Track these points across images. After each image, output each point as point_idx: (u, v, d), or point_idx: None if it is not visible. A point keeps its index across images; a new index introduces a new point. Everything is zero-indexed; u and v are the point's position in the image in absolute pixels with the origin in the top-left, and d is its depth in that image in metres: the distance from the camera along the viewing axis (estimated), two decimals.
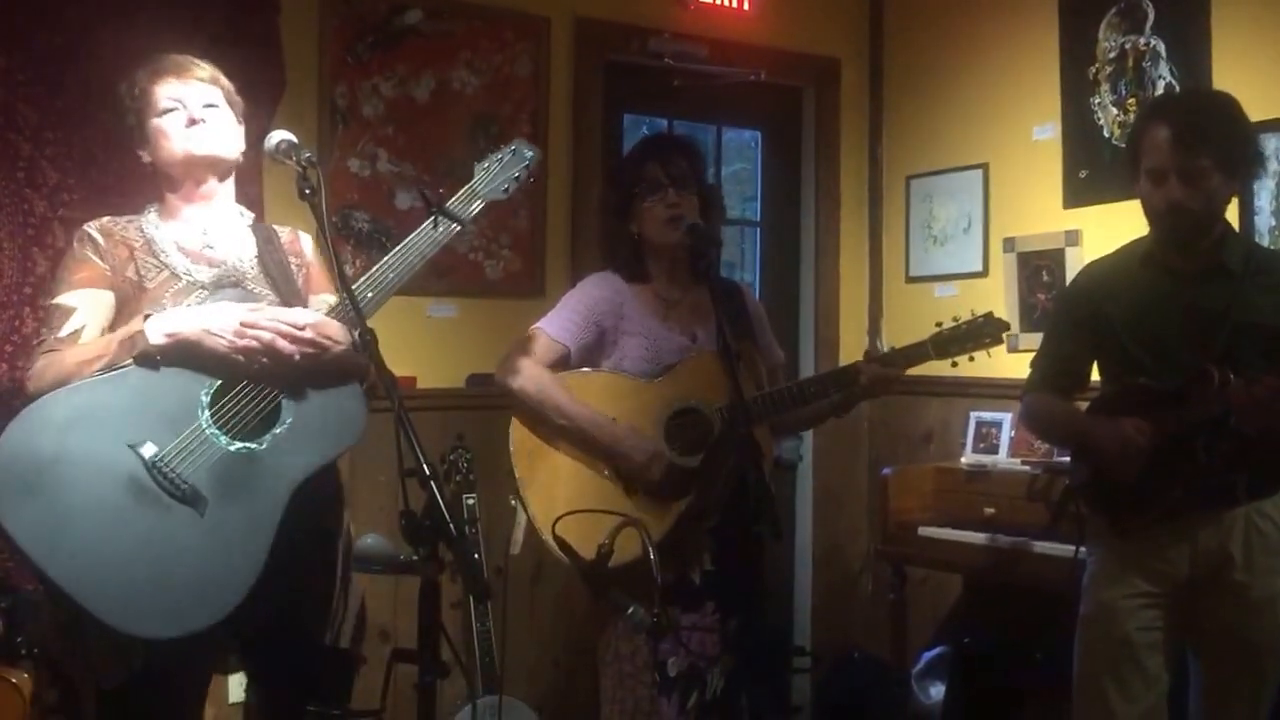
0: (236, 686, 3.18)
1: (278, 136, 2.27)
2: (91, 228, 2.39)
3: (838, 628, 4.71)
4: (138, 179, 2.58)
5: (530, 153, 2.56)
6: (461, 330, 3.99)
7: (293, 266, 2.48)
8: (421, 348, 3.88)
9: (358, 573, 2.46)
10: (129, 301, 2.32)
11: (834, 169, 4.75)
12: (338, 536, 2.44)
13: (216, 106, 2.42)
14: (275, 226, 2.54)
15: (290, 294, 2.40)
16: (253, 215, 2.54)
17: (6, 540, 2.06)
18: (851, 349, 4.67)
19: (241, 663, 2.44)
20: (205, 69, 2.45)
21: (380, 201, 3.81)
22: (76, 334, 2.27)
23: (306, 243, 2.56)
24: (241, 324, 2.21)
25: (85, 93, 3.30)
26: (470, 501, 3.79)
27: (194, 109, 2.38)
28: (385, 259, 2.35)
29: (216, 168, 2.43)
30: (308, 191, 2.18)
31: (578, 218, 4.17)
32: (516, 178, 2.54)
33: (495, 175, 2.51)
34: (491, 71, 4.00)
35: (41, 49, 3.27)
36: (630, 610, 2.27)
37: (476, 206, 2.47)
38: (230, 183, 2.49)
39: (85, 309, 2.30)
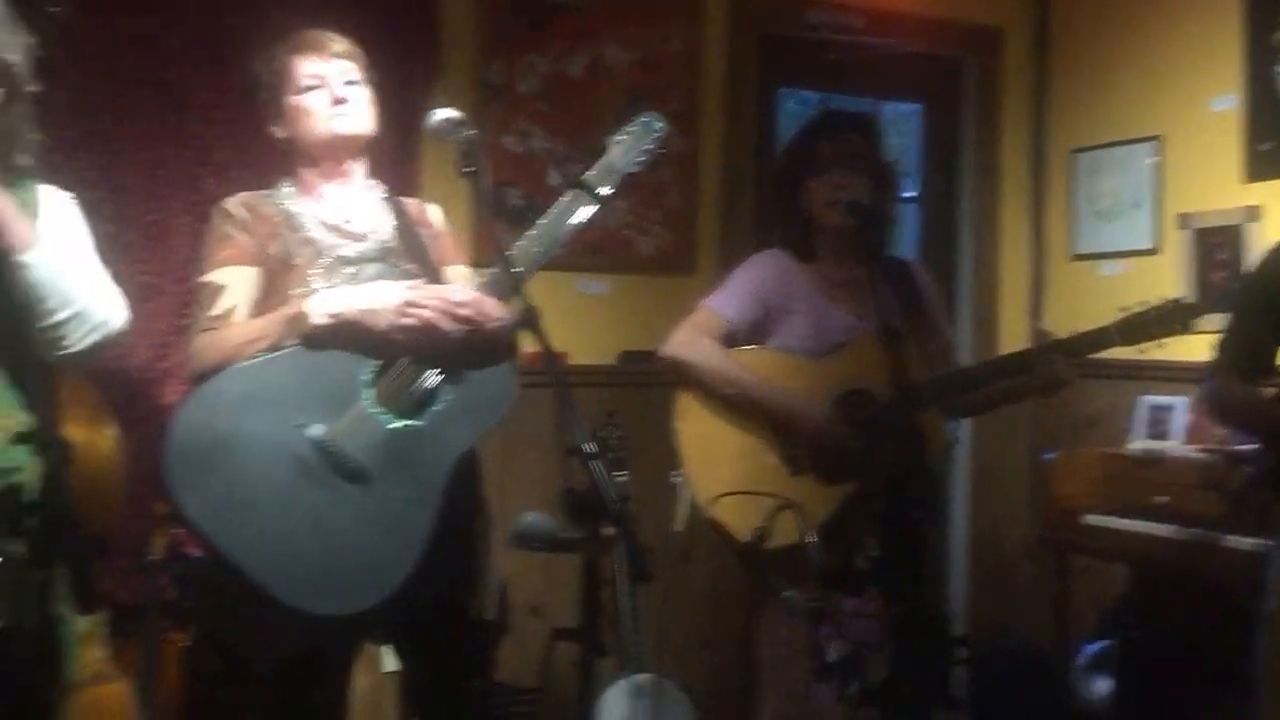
0: (390, 656, 3.23)
1: (441, 114, 2.26)
2: (232, 203, 2.38)
3: (993, 615, 4.58)
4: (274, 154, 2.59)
5: (660, 124, 2.52)
6: (611, 307, 3.98)
7: (428, 239, 2.47)
8: (571, 324, 3.87)
9: (519, 550, 2.46)
10: (275, 277, 2.31)
11: (995, 142, 4.59)
12: (478, 509, 2.44)
13: (357, 83, 2.40)
14: (403, 199, 2.52)
15: (429, 267, 2.39)
16: (384, 189, 2.52)
17: (181, 518, 2.11)
18: (1011, 329, 4.53)
19: (390, 634, 2.46)
20: (344, 44, 2.42)
21: (533, 178, 3.81)
22: (229, 312, 2.27)
23: (435, 214, 2.55)
24: (403, 303, 2.21)
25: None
26: (622, 479, 3.77)
27: (337, 87, 2.36)
28: (529, 235, 2.33)
29: (357, 145, 2.42)
30: (469, 169, 2.17)
31: (730, 194, 4.11)
32: (649, 150, 2.49)
33: (629, 149, 2.47)
34: (644, 46, 3.96)
35: (217, 29, 3.33)
36: (787, 594, 2.22)
37: (613, 181, 2.43)
38: (365, 157, 2.47)
39: (234, 286, 2.29)
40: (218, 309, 2.27)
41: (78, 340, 1.98)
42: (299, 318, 2.20)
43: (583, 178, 2.40)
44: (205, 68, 3.33)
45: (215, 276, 2.31)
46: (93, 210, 2.20)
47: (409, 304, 2.21)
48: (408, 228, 2.43)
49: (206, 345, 2.25)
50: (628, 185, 2.46)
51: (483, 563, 2.44)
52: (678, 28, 4.01)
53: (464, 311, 2.21)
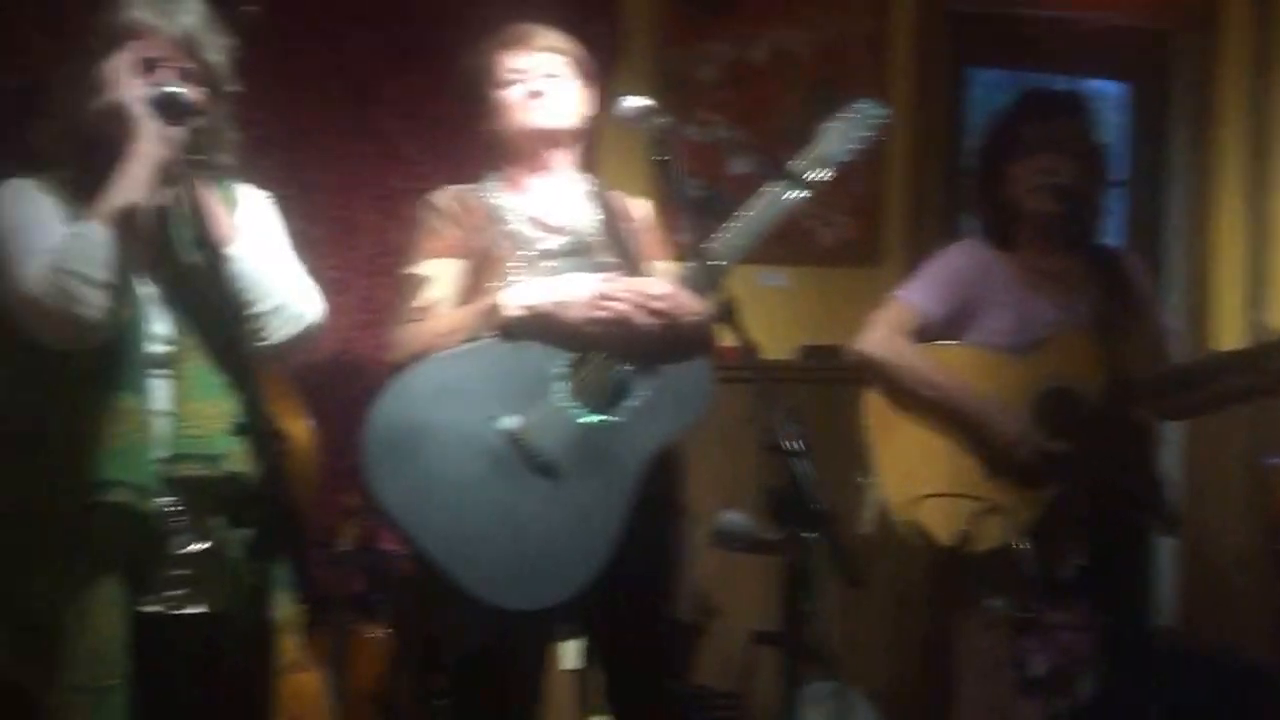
0: (570, 653, 3.21)
1: (631, 102, 2.23)
2: (439, 197, 2.40)
3: (1207, 628, 4.31)
4: (481, 148, 2.59)
5: (879, 111, 2.41)
6: (793, 299, 3.87)
7: (633, 233, 2.43)
8: (751, 317, 3.75)
9: (718, 550, 2.40)
10: (479, 270, 2.32)
11: (1208, 123, 4.30)
12: (677, 508, 2.38)
13: (557, 76, 2.37)
14: (610, 193, 2.49)
15: (633, 261, 2.35)
16: (594, 182, 2.50)
17: (377, 508, 2.13)
18: (1227, 322, 4.25)
19: (585, 634, 2.43)
20: (549, 37, 2.40)
21: (714, 168, 3.72)
22: (432, 304, 2.29)
23: (641, 208, 2.50)
24: (596, 296, 2.19)
25: (445, 68, 3.37)
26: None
27: (534, 81, 2.34)
28: (732, 226, 2.26)
29: (556, 139, 2.39)
30: (661, 158, 2.12)
31: (919, 181, 3.95)
32: (862, 138, 2.40)
33: (842, 136, 2.38)
34: (829, 30, 3.84)
35: (404, 26, 3.36)
36: (991, 602, 2.10)
37: (823, 170, 2.35)
38: (573, 150, 2.44)
39: (439, 278, 2.31)
40: (421, 301, 2.30)
41: (275, 333, 2.01)
42: (494, 310, 2.20)
43: (790, 166, 2.32)
44: (392, 63, 3.36)
45: (420, 269, 2.33)
46: (284, 206, 2.23)
47: (602, 296, 2.19)
48: (612, 221, 2.40)
49: (408, 336, 2.28)
50: None
51: (681, 564, 2.38)
52: (863, 9, 3.87)
53: (658, 304, 2.18)
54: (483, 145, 2.47)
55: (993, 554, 2.24)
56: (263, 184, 2.21)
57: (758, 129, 3.74)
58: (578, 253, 2.33)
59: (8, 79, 2.85)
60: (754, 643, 2.00)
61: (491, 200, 2.38)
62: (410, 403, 2.15)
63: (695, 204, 3.28)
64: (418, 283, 2.31)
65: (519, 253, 2.31)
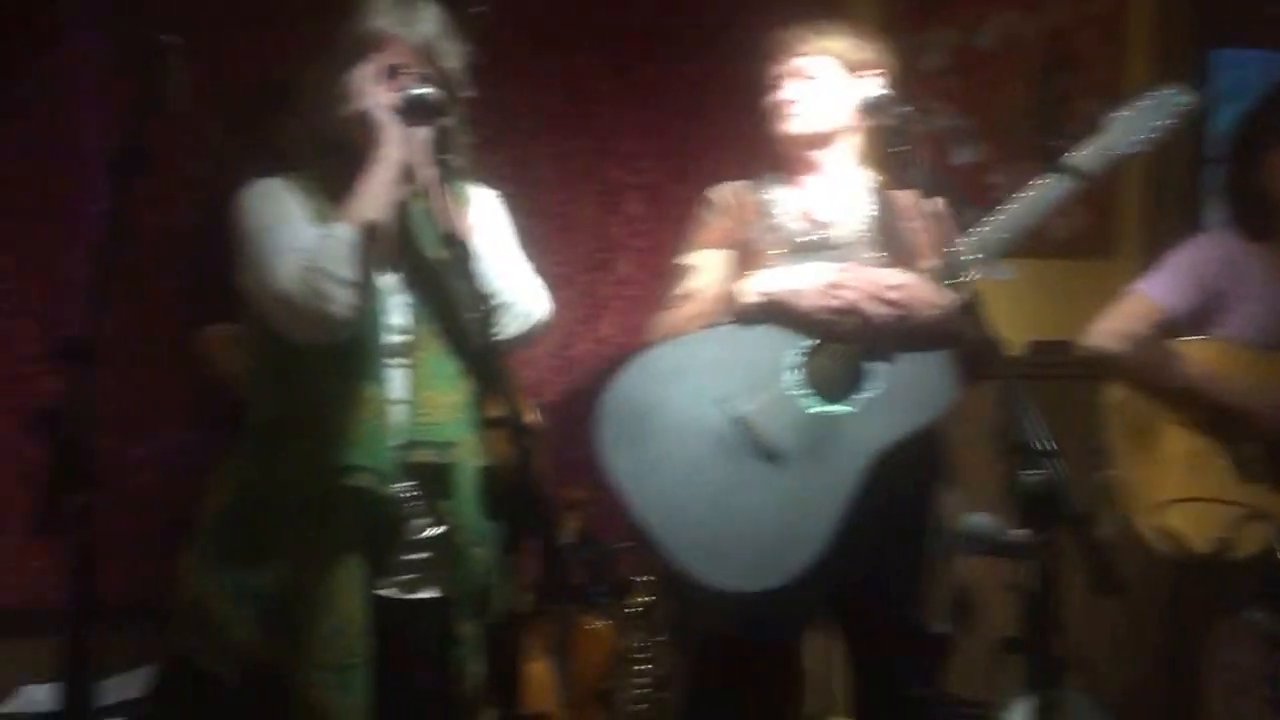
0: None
1: (872, 91, 2.21)
2: (717, 191, 2.47)
3: None
4: (717, 146, 2.69)
5: (1183, 99, 2.27)
6: (1020, 293, 3.69)
7: (910, 230, 2.39)
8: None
9: (961, 553, 2.33)
10: (743, 261, 2.37)
11: None
12: (931, 510, 2.33)
13: (814, 79, 2.37)
14: (896, 191, 2.46)
15: (902, 258, 2.31)
16: (878, 178, 2.47)
17: (606, 479, 2.18)
18: None
19: (832, 634, 2.41)
20: (812, 40, 2.40)
21: (936, 156, 3.62)
22: (693, 292, 2.37)
23: (926, 206, 2.44)
24: (829, 284, 2.18)
25: (664, 65, 3.38)
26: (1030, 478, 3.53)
27: (788, 89, 2.37)
28: (994, 219, 2.19)
29: (813, 143, 2.40)
30: (900, 148, 2.09)
31: (1159, 170, 3.74)
32: (1161, 127, 2.26)
33: (1133, 126, 2.26)
34: (1060, 12, 3.68)
35: (623, 28, 3.39)
36: (1250, 614, 1.97)
37: (1105, 163, 2.23)
38: (847, 145, 2.42)
39: (703, 268, 2.39)
40: (683, 289, 2.39)
41: (504, 329, 2.04)
42: (732, 296, 2.26)
43: (1067, 157, 2.23)
44: (611, 63, 3.38)
45: (689, 259, 2.43)
46: (509, 203, 2.27)
47: (835, 285, 2.19)
48: (886, 218, 2.38)
49: (662, 321, 2.38)
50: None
51: (934, 567, 2.32)
52: None
53: (893, 295, 2.15)
54: (763, 144, 2.51)
55: (1253, 562, 2.10)
56: (490, 182, 2.25)
57: (984, 117, 3.62)
58: (839, 246, 2.32)
59: (258, 81, 2.95)
60: (1003, 650, 1.92)
61: (765, 195, 2.43)
62: (645, 381, 2.23)
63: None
64: (684, 272, 2.41)
65: (780, 245, 2.35)
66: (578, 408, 3.25)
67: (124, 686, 3.11)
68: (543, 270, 2.44)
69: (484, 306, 1.83)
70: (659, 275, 3.34)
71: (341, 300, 1.90)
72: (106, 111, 3.21)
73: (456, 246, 1.85)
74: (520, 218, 2.25)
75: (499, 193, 2.25)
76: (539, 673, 2.76)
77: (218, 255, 2.13)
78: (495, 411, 1.78)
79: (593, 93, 3.39)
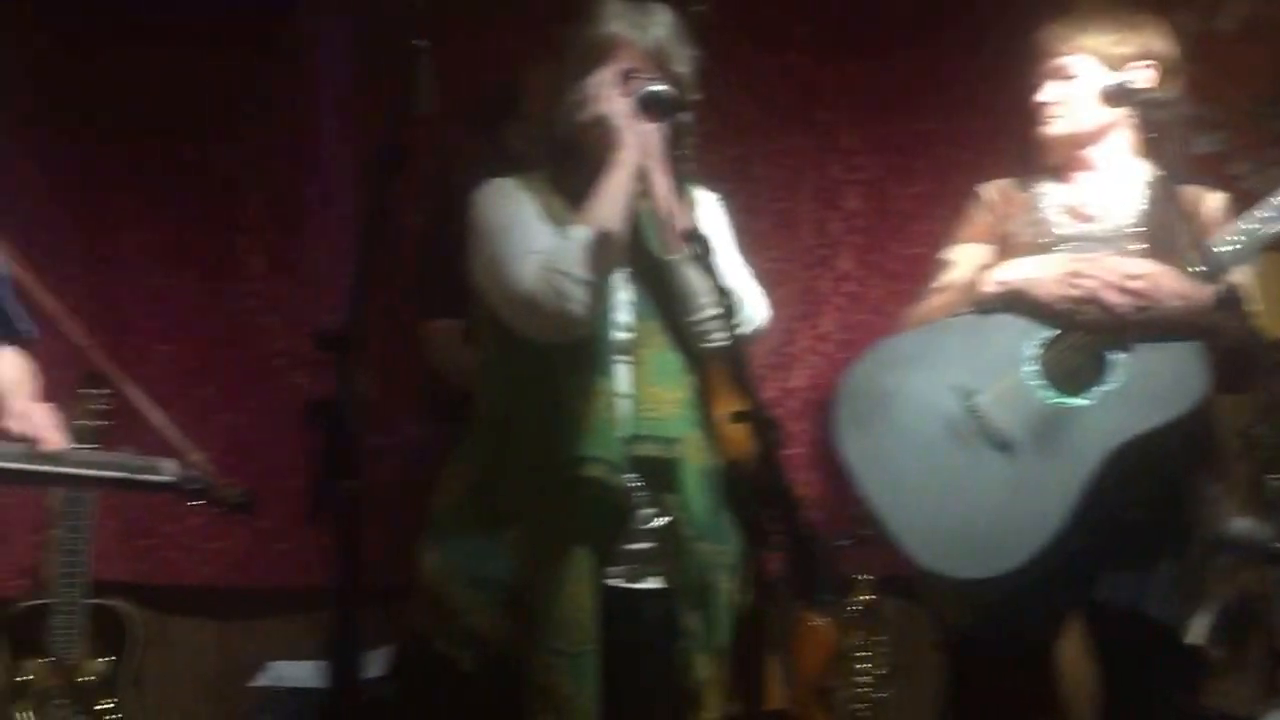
0: None
1: (1123, 79, 2.21)
2: (986, 186, 2.48)
3: None
4: (939, 142, 2.74)
5: None
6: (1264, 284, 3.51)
7: (1181, 223, 2.29)
8: None
9: (1226, 559, 2.23)
10: (1003, 255, 2.36)
11: None
12: (1190, 511, 2.24)
13: (1074, 79, 2.34)
14: (1177, 186, 2.36)
15: (1166, 252, 2.23)
16: (1159, 171, 2.38)
17: (839, 462, 2.22)
18: None
19: (1088, 640, 2.35)
20: (1070, 38, 2.36)
21: (1181, 146, 3.46)
22: (947, 286, 2.39)
23: (1211, 202, 2.36)
24: (1069, 273, 2.16)
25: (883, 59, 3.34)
26: (1277, 482, 3.34)
27: (1048, 90, 2.36)
28: (1258, 209, 2.10)
29: (1078, 142, 2.38)
30: (1153, 136, 2.03)
31: None
32: None
33: None
34: None
35: (842, 22, 3.37)
36: None
37: None
38: (1119, 138, 2.38)
39: (960, 262, 2.41)
40: (938, 282, 2.41)
41: (724, 335, 2.03)
42: (972, 285, 2.27)
43: None
44: (832, 56, 3.35)
45: (948, 253, 2.45)
46: (726, 201, 2.29)
47: (1074, 274, 2.16)
48: (1158, 211, 2.32)
49: (911, 312, 2.42)
50: None
51: (1194, 572, 2.23)
52: None
53: (1134, 284, 2.08)
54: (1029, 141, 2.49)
55: None
56: (707, 182, 2.27)
57: (1225, 104, 3.44)
58: (1101, 240, 2.29)
59: (487, 83, 3.04)
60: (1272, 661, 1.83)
61: (1034, 190, 2.42)
62: (882, 366, 2.28)
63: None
64: (940, 266, 2.43)
65: (1040, 238, 2.33)
66: (797, 405, 3.28)
67: (370, 663, 3.25)
68: (760, 268, 2.45)
69: (726, 300, 1.85)
70: (878, 272, 3.34)
71: (580, 300, 1.95)
72: (350, 116, 3.38)
73: (698, 241, 1.87)
74: (737, 215, 2.27)
75: (716, 190, 2.27)
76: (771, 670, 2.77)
77: (446, 253, 2.21)
78: (736, 406, 1.80)
79: (811, 89, 3.37)
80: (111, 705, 3.13)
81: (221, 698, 3.38)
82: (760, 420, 1.69)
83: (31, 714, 3.06)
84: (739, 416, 1.70)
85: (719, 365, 2.13)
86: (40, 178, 3.30)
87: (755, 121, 3.38)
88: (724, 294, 1.88)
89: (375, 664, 3.18)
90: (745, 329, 2.09)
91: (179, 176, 3.35)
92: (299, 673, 3.22)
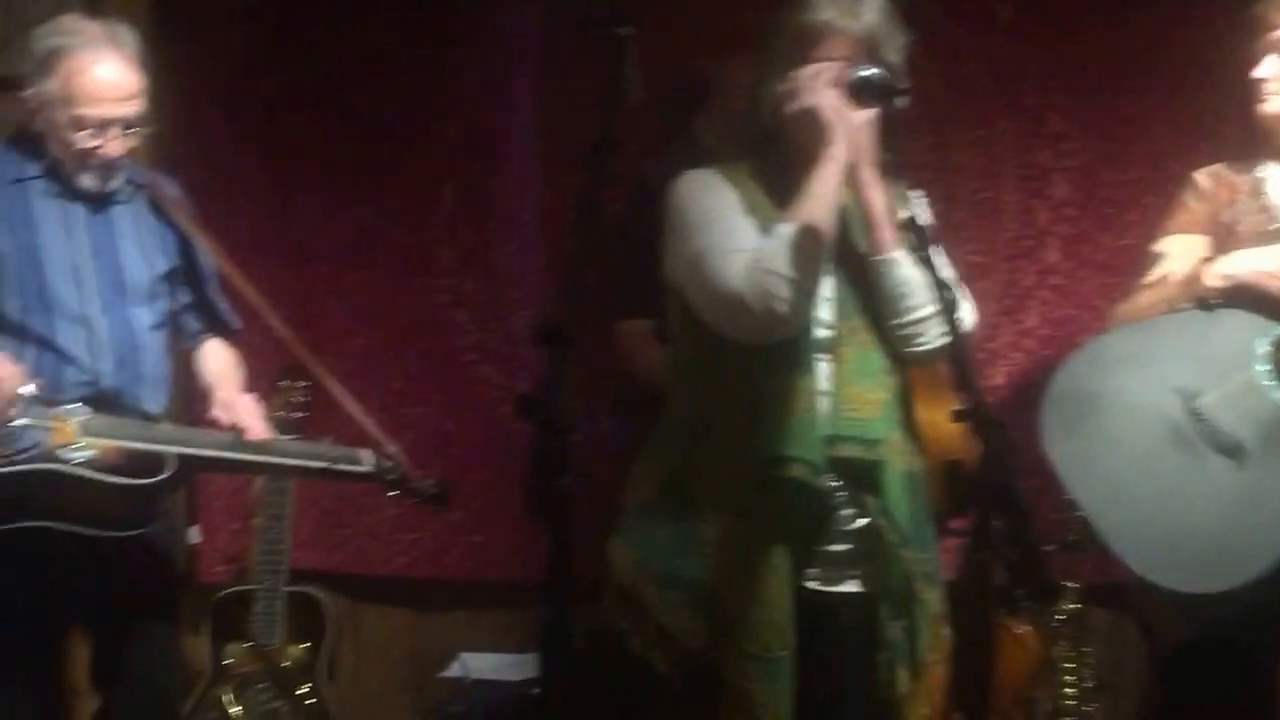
0: None
1: None
2: (1200, 173, 2.37)
3: None
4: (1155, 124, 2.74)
5: None
6: None
7: None
8: None
9: None
10: (1222, 245, 2.25)
11: None
12: None
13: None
14: None
15: None
16: None
17: (1051, 467, 2.13)
18: None
19: None
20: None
21: None
22: (1161, 280, 2.27)
23: None
24: None
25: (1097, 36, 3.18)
26: None
27: (1265, 65, 2.25)
28: None
29: None
30: None
31: None
32: None
33: None
34: None
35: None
36: None
37: None
38: None
39: (1173, 254, 2.30)
40: (1150, 276, 2.31)
41: (932, 339, 1.99)
42: (1193, 280, 2.16)
43: None
44: (1040, 36, 3.20)
45: (1160, 244, 2.35)
46: (924, 190, 2.20)
47: None
48: None
49: (1121, 310, 2.32)
50: None
51: None
52: None
53: None
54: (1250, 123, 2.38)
55: None
56: (907, 174, 2.18)
57: None
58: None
59: (677, 73, 3.00)
60: None
61: (1255, 174, 2.30)
62: (1093, 367, 2.18)
63: None
64: (1152, 258, 2.33)
65: (1264, 226, 2.22)
66: (997, 402, 3.13)
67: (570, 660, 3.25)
68: (960, 260, 2.37)
69: (947, 295, 1.76)
70: (1087, 264, 3.18)
71: (790, 301, 1.89)
72: (540, 109, 3.38)
73: (917, 235, 1.79)
74: (935, 206, 2.18)
75: (919, 188, 2.17)
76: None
77: (638, 248, 2.17)
78: (938, 407, 1.72)
79: (1017, 71, 3.23)
80: (308, 691, 3.20)
81: (412, 687, 3.44)
82: (986, 420, 1.60)
83: (233, 696, 3.16)
84: (961, 416, 1.61)
85: (929, 365, 2.06)
86: (240, 173, 3.40)
87: (954, 107, 3.25)
88: (945, 288, 1.79)
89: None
90: (949, 336, 1.98)
91: (373, 171, 3.40)
92: (489, 665, 3.25)
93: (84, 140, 2.37)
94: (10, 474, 2.24)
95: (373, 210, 3.40)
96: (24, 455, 2.26)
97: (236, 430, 2.43)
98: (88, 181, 2.43)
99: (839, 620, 2.02)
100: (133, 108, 2.40)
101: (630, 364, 2.83)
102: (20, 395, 2.26)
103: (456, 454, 3.38)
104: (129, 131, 2.41)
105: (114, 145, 2.39)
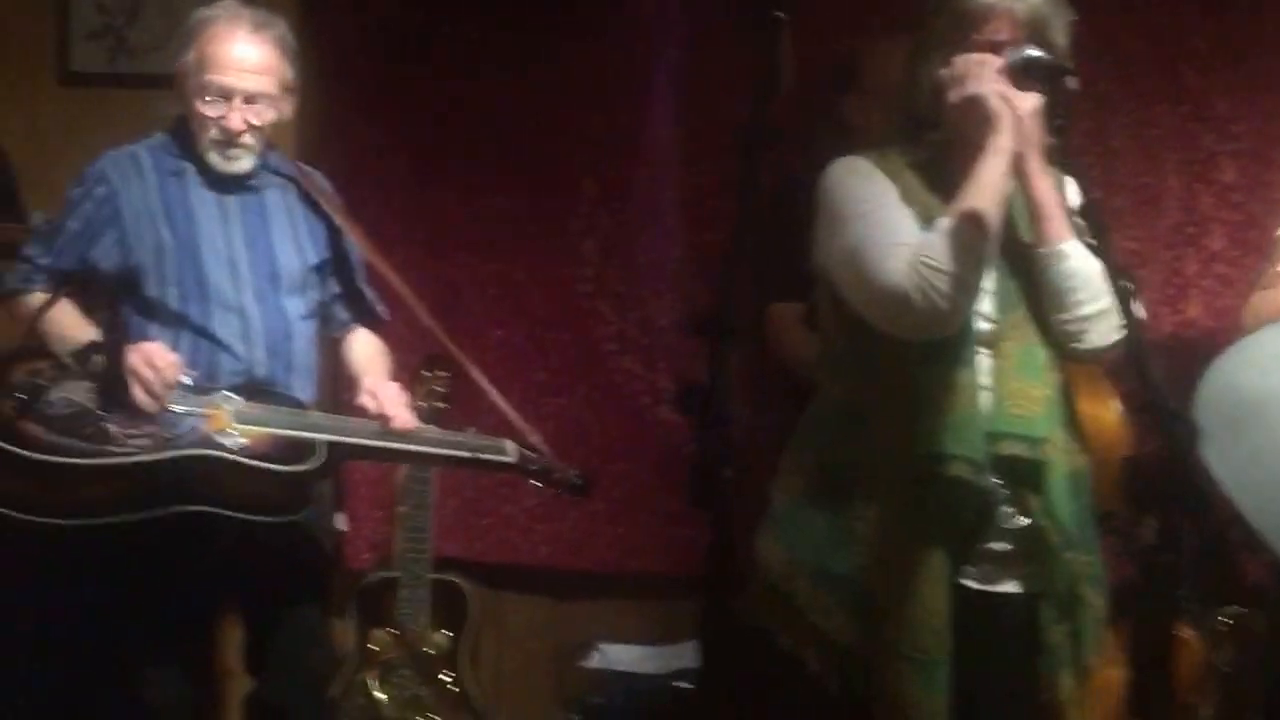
0: None
1: None
2: None
3: None
4: None
5: None
6: None
7: None
8: None
9: None
10: None
11: None
12: None
13: None
14: None
15: None
16: None
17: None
18: None
19: None
20: None
21: None
22: None
23: None
24: None
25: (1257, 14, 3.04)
26: None
27: None
28: None
29: None
30: None
31: None
32: None
33: None
34: None
35: None
36: None
37: None
38: None
39: None
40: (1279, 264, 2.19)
41: (1099, 337, 1.92)
42: None
43: None
44: (1203, 16, 3.07)
45: None
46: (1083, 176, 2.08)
47: None
48: None
49: (1256, 302, 2.24)
50: None
51: None
52: None
53: None
54: None
55: None
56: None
57: None
58: None
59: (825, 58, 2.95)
60: None
61: None
62: (1246, 368, 2.09)
63: None
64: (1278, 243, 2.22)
65: None
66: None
67: (683, 655, 3.24)
68: (1120, 248, 2.29)
69: (1124, 287, 1.68)
70: (1254, 252, 3.03)
71: (954, 297, 1.83)
72: (679, 98, 3.35)
73: (1093, 226, 1.71)
74: (1094, 189, 2.06)
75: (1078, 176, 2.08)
76: (1114, 681, 2.56)
77: (786, 234, 2.12)
78: (1100, 405, 1.64)
79: (1179, 52, 3.09)
80: (450, 678, 3.23)
81: (552, 677, 3.44)
82: (1170, 415, 1.52)
83: (378, 682, 3.20)
84: (1141, 408, 1.54)
85: (1094, 362, 1.98)
86: (384, 167, 3.43)
87: (1113, 90, 3.12)
88: (1124, 278, 1.71)
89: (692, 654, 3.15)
90: (1114, 336, 1.92)
91: (515, 162, 3.40)
92: (629, 656, 3.24)
93: (207, 109, 2.40)
94: (167, 459, 2.28)
95: (515, 201, 3.40)
96: (181, 440, 2.31)
97: (382, 418, 2.45)
98: (215, 158, 2.46)
99: (998, 621, 1.96)
100: (258, 82, 2.42)
101: (778, 347, 2.79)
102: (179, 383, 2.32)
103: (597, 445, 3.37)
104: (251, 105, 2.43)
105: (234, 117, 2.41)
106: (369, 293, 2.71)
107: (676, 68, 3.35)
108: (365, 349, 2.67)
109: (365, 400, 2.49)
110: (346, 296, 2.67)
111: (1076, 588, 1.94)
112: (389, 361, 2.67)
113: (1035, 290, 1.93)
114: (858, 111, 2.78)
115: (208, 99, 2.40)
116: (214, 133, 2.43)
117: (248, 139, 2.45)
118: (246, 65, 2.41)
